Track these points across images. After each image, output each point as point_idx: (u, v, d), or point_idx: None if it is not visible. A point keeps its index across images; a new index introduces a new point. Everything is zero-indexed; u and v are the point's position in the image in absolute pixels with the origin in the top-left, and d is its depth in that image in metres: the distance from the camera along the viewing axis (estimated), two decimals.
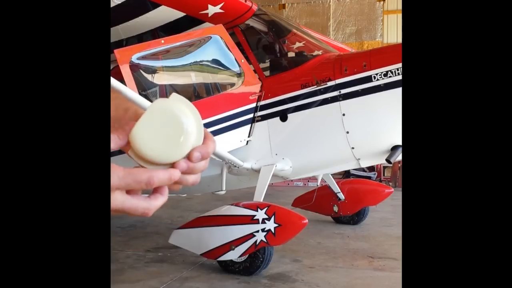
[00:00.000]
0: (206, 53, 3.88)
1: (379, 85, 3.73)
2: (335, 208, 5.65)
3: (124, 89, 2.79)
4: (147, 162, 0.68)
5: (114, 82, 2.61)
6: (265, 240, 3.48)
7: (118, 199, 0.66)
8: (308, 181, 9.39)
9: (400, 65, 3.67)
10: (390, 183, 9.24)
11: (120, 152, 0.71)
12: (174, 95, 0.69)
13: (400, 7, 11.41)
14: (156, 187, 0.69)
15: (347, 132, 3.85)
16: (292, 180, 6.81)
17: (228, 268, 3.71)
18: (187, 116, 0.67)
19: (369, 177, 9.45)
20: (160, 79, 4.14)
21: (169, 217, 6.41)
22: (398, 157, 3.75)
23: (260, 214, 3.54)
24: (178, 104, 0.68)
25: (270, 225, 3.48)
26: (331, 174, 5.40)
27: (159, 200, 0.68)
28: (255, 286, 3.48)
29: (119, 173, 0.65)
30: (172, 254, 4.32)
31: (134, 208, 0.66)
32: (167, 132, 0.66)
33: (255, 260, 3.62)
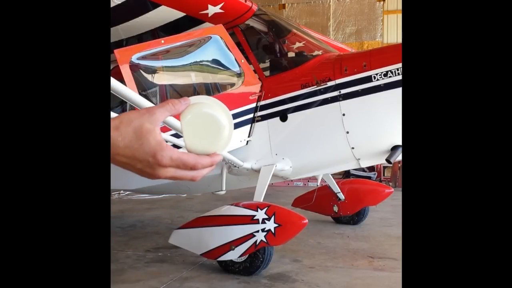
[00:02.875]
0: (206, 53, 3.88)
1: (379, 85, 3.73)
2: (335, 208, 5.65)
3: (123, 89, 2.79)
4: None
5: (114, 82, 2.61)
6: (265, 240, 3.48)
7: (170, 171, 0.81)
8: (308, 181, 9.39)
9: (400, 65, 3.66)
10: (390, 183, 9.24)
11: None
12: (201, 97, 0.83)
13: (400, 7, 11.42)
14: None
15: (347, 132, 3.85)
16: (292, 180, 6.81)
17: (228, 268, 3.71)
18: (220, 115, 0.80)
19: (369, 177, 9.45)
20: (160, 79, 4.14)
21: (169, 217, 6.41)
22: (398, 157, 3.75)
23: (260, 214, 3.54)
24: (212, 105, 0.81)
25: (270, 225, 3.48)
26: (331, 174, 5.40)
27: (205, 171, 0.83)
28: (255, 286, 3.47)
29: (172, 155, 0.79)
30: (172, 254, 4.32)
31: (184, 176, 0.82)
32: (209, 133, 0.80)
33: (255, 260, 3.62)
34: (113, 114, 3.47)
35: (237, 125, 3.99)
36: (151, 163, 0.78)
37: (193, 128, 0.80)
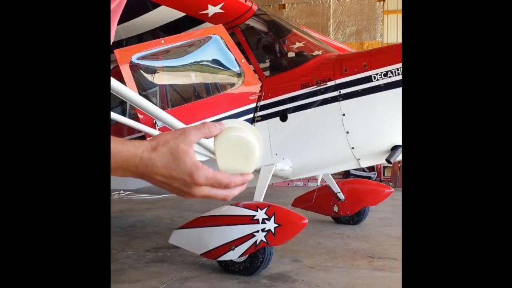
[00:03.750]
0: (206, 53, 3.88)
1: (379, 85, 3.73)
2: (335, 208, 5.65)
3: (123, 89, 2.79)
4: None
5: (114, 82, 2.61)
6: (265, 240, 3.48)
7: (204, 190, 0.84)
8: (308, 181, 9.39)
9: (400, 65, 3.67)
10: (390, 183, 9.24)
11: None
12: (234, 121, 0.90)
13: (400, 7, 11.42)
14: None
15: (347, 132, 3.86)
16: (292, 180, 6.81)
17: (228, 268, 3.71)
18: (251, 137, 0.86)
19: (369, 177, 9.45)
20: (160, 79, 4.14)
21: (169, 217, 6.41)
22: (398, 157, 3.75)
23: (260, 214, 3.53)
24: (244, 129, 0.88)
25: (270, 225, 3.48)
26: (331, 174, 5.40)
27: (237, 190, 0.87)
28: (255, 286, 3.47)
29: (207, 174, 0.83)
30: (172, 254, 4.32)
31: (217, 195, 0.86)
32: (241, 154, 0.86)
33: (255, 260, 3.62)
34: (113, 114, 3.45)
35: None
36: (188, 182, 0.83)
37: (226, 149, 0.86)
